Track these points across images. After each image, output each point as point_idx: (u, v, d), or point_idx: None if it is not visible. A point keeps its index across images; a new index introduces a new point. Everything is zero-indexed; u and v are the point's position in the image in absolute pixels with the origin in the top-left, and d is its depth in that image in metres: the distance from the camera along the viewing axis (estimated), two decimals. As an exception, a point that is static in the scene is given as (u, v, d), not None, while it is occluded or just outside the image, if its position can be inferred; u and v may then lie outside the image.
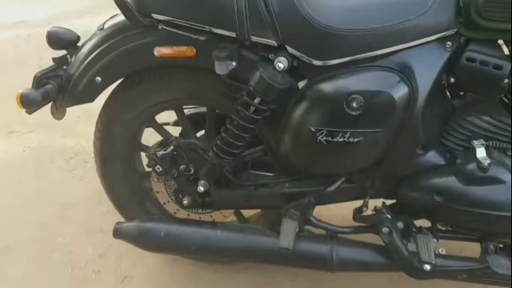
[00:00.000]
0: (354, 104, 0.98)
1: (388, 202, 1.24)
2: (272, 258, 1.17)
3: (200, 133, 1.46)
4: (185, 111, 1.39)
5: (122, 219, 1.52)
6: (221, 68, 1.06)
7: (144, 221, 1.26)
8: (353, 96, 0.98)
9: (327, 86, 1.01)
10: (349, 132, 1.01)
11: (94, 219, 1.85)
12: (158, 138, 1.40)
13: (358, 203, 1.26)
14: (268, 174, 1.40)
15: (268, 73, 1.01)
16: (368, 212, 1.23)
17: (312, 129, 1.03)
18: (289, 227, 1.10)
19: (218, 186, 1.26)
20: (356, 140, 1.02)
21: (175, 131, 1.46)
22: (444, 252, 1.17)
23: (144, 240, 1.24)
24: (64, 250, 1.71)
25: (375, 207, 1.21)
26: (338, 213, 1.63)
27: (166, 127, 1.44)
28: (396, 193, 1.17)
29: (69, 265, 1.65)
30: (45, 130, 2.36)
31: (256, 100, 1.06)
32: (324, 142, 1.03)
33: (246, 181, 1.28)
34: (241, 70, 1.08)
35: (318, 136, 1.03)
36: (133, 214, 1.50)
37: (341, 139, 1.02)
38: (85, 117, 2.37)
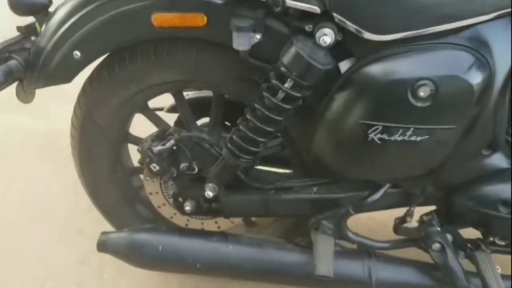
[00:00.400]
0: (422, 93, 0.76)
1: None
2: (299, 281, 0.95)
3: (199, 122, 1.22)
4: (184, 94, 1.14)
5: (104, 219, 1.30)
6: (241, 42, 0.83)
7: (137, 231, 1.02)
8: (421, 82, 0.76)
9: (385, 69, 0.78)
10: (411, 129, 0.79)
11: (71, 219, 1.59)
12: (145, 124, 1.17)
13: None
14: (277, 171, 1.20)
15: (308, 49, 0.77)
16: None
17: (363, 123, 0.80)
18: (325, 247, 0.87)
19: (229, 189, 1.03)
20: (419, 139, 0.79)
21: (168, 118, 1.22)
22: (500, 271, 0.98)
23: (137, 256, 1.00)
24: (34, 257, 1.45)
25: (421, 217, 1.00)
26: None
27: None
28: (449, 201, 0.96)
29: (40, 277, 1.39)
30: (10, 113, 2.05)
31: (287, 84, 0.82)
32: (378, 141, 0.80)
33: (259, 182, 1.04)
34: (265, 46, 0.85)
35: (370, 133, 0.80)
36: (119, 217, 1.29)
37: (400, 138, 0.79)
38: (57, 96, 2.05)
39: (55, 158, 1.87)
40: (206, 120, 1.23)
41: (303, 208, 1.00)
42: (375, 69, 0.78)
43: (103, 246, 1.02)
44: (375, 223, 1.51)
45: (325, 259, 0.85)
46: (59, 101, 2.04)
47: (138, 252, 1.00)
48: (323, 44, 0.77)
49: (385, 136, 0.80)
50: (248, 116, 0.89)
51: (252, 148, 0.92)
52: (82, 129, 1.11)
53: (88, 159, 1.17)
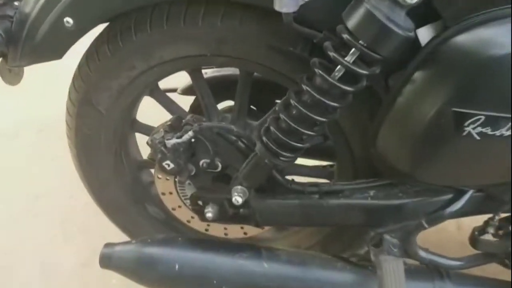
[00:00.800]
0: (547, 71, 0.54)
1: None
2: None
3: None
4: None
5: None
6: (286, 1, 0.61)
7: (148, 244, 0.83)
8: None
9: (493, 37, 0.56)
10: None
11: (72, 215, 1.42)
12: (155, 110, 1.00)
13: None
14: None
15: (385, 8, 0.55)
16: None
17: (457, 113, 0.58)
18: (395, 274, 0.67)
19: (261, 192, 0.82)
20: None
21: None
22: None
23: (149, 275, 0.81)
24: (37, 259, 1.29)
25: (502, 227, 0.80)
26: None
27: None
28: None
29: (41, 280, 1.24)
30: (2, 96, 1.85)
31: (349, 58, 0.61)
32: (476, 136, 0.59)
33: (299, 184, 0.84)
34: (318, 7, 0.65)
35: (468, 125, 0.59)
36: (125, 218, 1.10)
37: (507, 133, 0.58)
38: (53, 76, 1.84)
39: (54, 146, 1.68)
40: (226, 104, 1.04)
41: (355, 217, 0.80)
42: (478, 37, 0.56)
43: (107, 261, 0.83)
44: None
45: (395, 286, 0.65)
46: (54, 82, 1.84)
47: (149, 270, 0.80)
48: (408, 1, 0.55)
49: (487, 130, 0.58)
50: (291, 101, 0.68)
51: (295, 144, 0.71)
52: (79, 116, 0.93)
53: (87, 152, 0.99)
